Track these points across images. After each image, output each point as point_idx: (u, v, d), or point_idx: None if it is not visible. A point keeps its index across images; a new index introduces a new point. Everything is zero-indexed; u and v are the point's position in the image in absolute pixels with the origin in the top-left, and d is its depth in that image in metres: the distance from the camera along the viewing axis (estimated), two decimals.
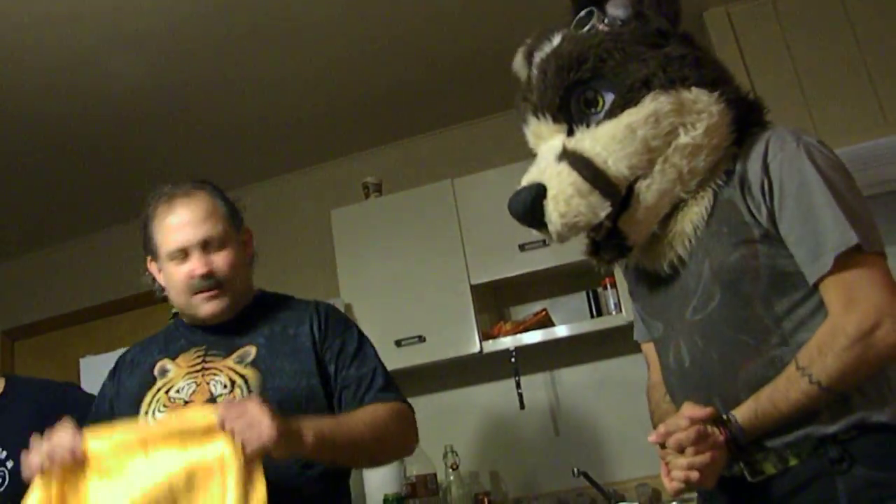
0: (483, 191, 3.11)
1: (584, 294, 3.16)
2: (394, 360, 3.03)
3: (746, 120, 1.29)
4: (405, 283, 3.12)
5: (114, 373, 1.75)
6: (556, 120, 1.28)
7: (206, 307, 1.65)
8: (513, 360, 3.06)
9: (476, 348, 2.99)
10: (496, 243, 3.02)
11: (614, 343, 3.09)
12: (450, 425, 3.23)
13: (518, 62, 1.45)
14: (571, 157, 1.23)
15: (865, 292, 1.13)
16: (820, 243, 1.15)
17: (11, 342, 4.31)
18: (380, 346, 3.03)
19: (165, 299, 1.76)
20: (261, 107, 3.29)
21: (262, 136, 3.51)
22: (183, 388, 1.58)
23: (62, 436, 1.33)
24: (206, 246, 1.64)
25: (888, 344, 1.11)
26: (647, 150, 1.21)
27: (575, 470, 2.87)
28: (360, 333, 1.77)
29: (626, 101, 1.23)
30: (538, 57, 1.34)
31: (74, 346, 3.80)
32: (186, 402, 1.56)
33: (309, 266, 3.66)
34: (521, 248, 2.98)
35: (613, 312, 3.00)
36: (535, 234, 3.09)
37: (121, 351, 1.83)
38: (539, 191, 1.23)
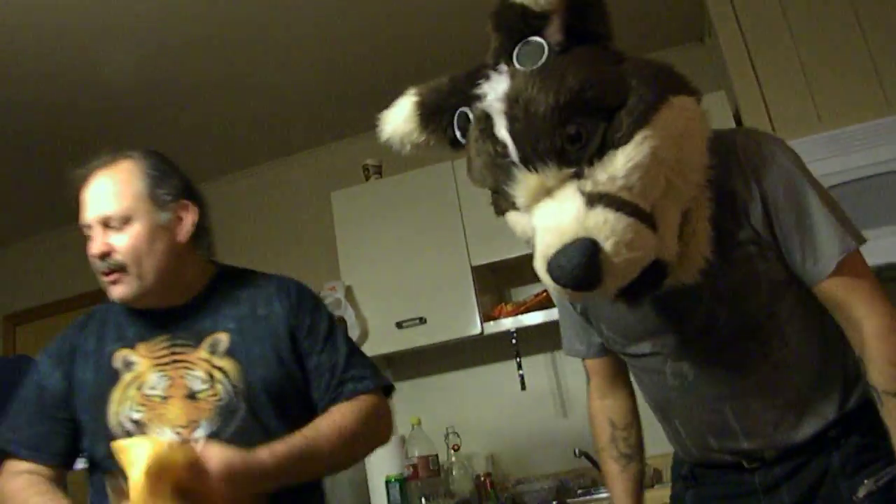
0: None
1: None
2: (395, 341, 3.05)
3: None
4: (406, 265, 3.12)
5: (67, 361, 1.55)
6: (560, 164, 1.07)
7: (112, 291, 1.50)
8: (514, 341, 3.07)
9: (477, 330, 2.99)
10: (496, 225, 2.94)
11: None
12: (451, 407, 3.24)
13: (406, 115, 1.33)
14: (605, 200, 1.04)
15: (870, 288, 1.15)
16: (823, 246, 1.15)
17: (13, 327, 4.32)
18: (381, 328, 3.11)
19: None
20: (261, 90, 3.27)
21: (262, 119, 3.50)
22: (157, 384, 1.47)
23: None
24: (107, 224, 1.51)
25: None
26: (659, 165, 1.08)
27: (576, 450, 2.89)
28: (330, 314, 1.65)
29: (636, 123, 1.06)
30: (495, 104, 1.14)
31: None
32: (164, 398, 1.45)
33: (309, 248, 3.66)
34: None
35: None
36: None
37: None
38: (588, 244, 1.02)
